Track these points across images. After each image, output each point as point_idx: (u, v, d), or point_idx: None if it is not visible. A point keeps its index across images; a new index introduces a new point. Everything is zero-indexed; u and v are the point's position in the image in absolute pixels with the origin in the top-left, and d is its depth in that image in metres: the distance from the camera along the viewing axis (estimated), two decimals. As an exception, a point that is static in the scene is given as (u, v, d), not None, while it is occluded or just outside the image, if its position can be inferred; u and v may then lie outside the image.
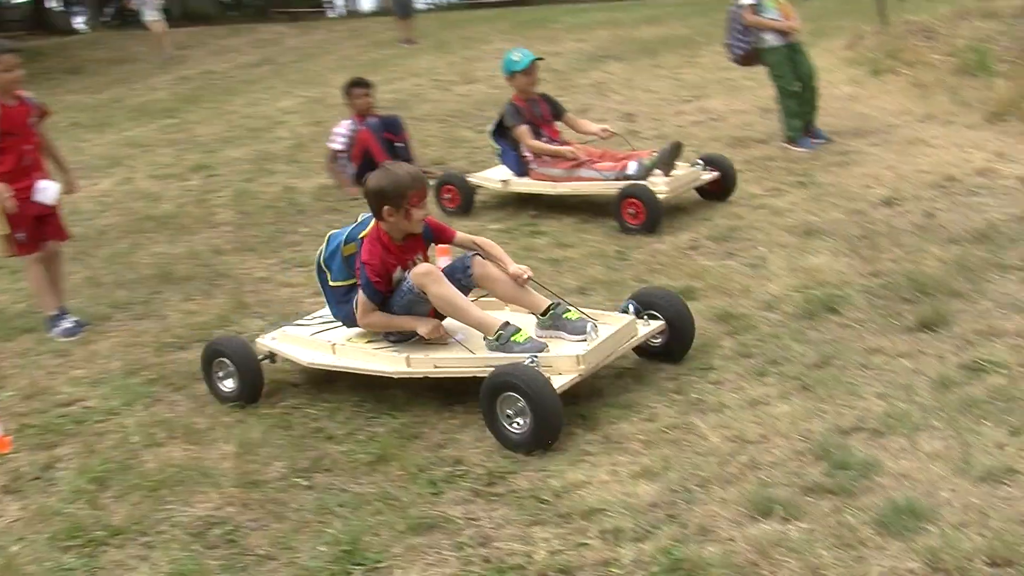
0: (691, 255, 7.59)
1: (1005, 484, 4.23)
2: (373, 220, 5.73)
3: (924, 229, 7.63)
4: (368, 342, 5.92)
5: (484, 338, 5.52)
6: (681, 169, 8.70)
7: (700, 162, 8.88)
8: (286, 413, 5.75)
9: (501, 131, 9.34)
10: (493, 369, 5.14)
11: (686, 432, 4.98)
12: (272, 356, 6.15)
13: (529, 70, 9.17)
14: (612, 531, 4.24)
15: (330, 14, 51.86)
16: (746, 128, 11.38)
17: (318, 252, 6.06)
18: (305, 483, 4.98)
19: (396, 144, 10.73)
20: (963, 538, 3.88)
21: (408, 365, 5.55)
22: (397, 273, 5.70)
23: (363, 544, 4.36)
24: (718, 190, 8.91)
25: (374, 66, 20.45)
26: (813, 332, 5.98)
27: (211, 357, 6.04)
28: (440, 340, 5.68)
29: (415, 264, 5.68)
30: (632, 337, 5.59)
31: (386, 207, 5.54)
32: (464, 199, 9.56)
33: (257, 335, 6.40)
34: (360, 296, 5.72)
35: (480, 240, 5.96)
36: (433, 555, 4.26)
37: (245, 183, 11.80)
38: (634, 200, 8.23)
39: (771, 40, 10.32)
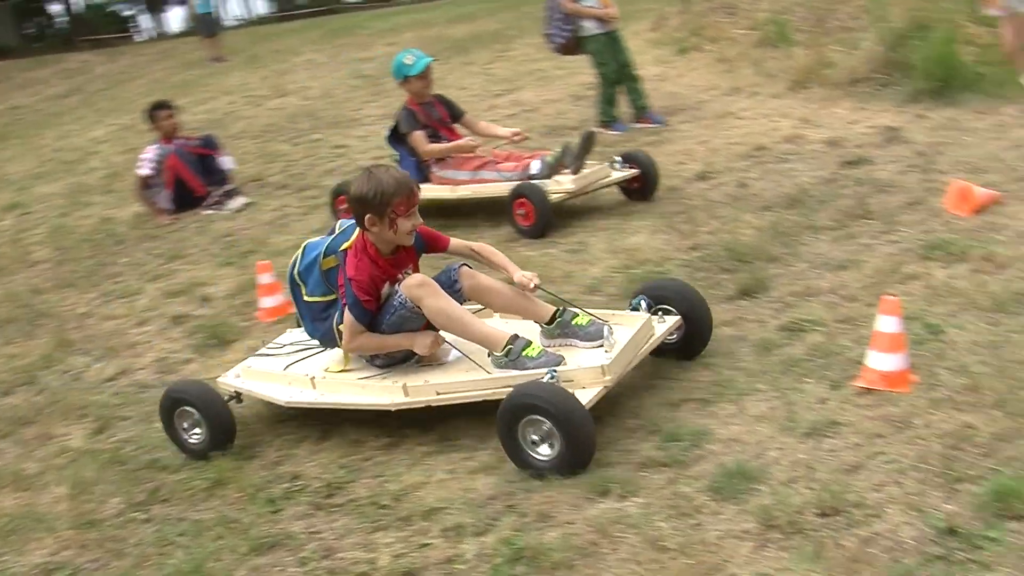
0: (512, 246, 7.61)
1: (829, 437, 4.36)
2: (357, 229, 5.16)
3: (738, 199, 7.81)
4: (344, 371, 5.38)
5: (490, 355, 4.95)
6: (590, 167, 8.13)
7: (619, 159, 8.33)
8: (119, 447, 5.62)
9: (398, 136, 8.67)
10: (510, 390, 4.55)
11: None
12: (238, 395, 5.59)
13: (424, 74, 8.50)
14: (453, 528, 4.25)
15: (137, 38, 51.04)
16: (560, 117, 11.51)
17: (291, 262, 5.49)
18: (143, 516, 4.88)
19: (214, 159, 10.59)
20: (793, 493, 3.99)
21: (407, 395, 4.96)
22: (385, 288, 5.12)
23: (206, 571, 4.28)
24: (640, 187, 8.34)
25: (185, 87, 20.19)
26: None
27: (172, 408, 5.38)
28: (435, 359, 5.20)
29: (405, 277, 5.09)
30: (650, 337, 5.05)
31: (368, 216, 4.93)
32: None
33: (217, 375, 5.85)
34: (346, 317, 5.11)
35: (478, 246, 5.37)
36: (277, 573, 4.22)
37: (61, 218, 11.51)
38: (523, 200, 7.79)
39: (591, 28, 10.46)
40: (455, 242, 5.35)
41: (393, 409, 4.99)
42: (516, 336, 4.89)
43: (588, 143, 8.05)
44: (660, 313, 5.21)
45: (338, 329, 5.25)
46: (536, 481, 4.45)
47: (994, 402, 4.35)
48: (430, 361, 5.20)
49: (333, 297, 5.32)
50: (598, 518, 4.10)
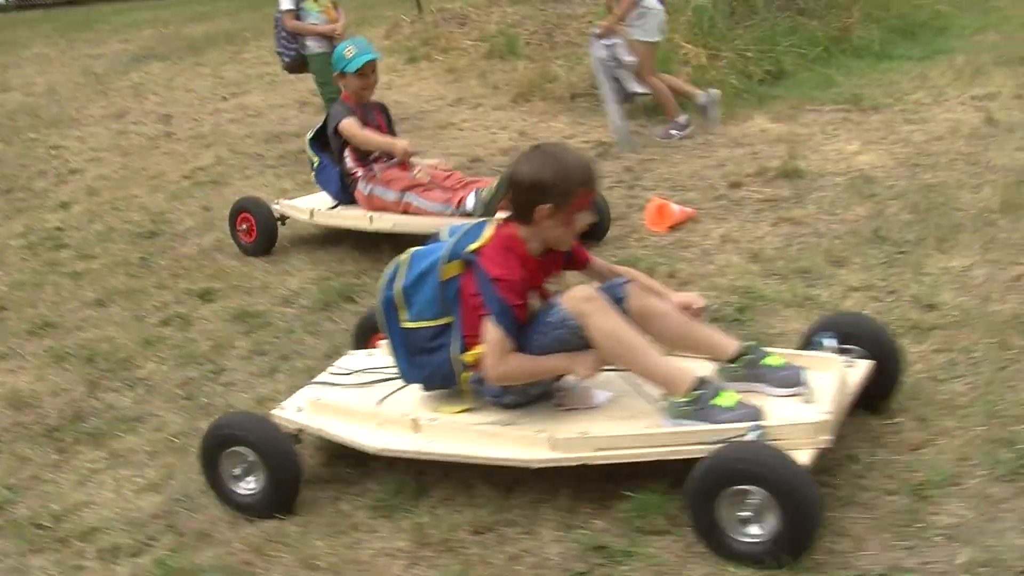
0: (216, 256, 7.49)
1: (491, 455, 4.39)
2: (490, 226, 4.12)
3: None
4: (464, 411, 4.21)
5: (667, 399, 3.84)
6: None
7: None
8: None
9: (321, 141, 7.37)
10: (701, 448, 3.58)
11: (193, 439, 4.89)
12: (298, 435, 4.41)
13: (362, 72, 7.24)
14: (110, 549, 4.13)
15: None
16: (283, 123, 11.38)
17: (384, 280, 4.29)
18: None
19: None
20: (449, 512, 4.02)
21: (554, 449, 3.85)
22: (532, 301, 4.10)
23: None
24: (590, 230, 7.09)
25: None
26: (328, 323, 6.04)
27: (218, 447, 4.24)
28: (581, 401, 4.13)
29: (555, 289, 4.14)
30: (848, 386, 3.96)
31: (543, 206, 3.90)
32: (264, 232, 7.45)
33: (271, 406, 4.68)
34: (489, 333, 3.93)
35: (622, 269, 4.38)
36: (-82, 602, 4.03)
37: None
38: None
39: (314, 46, 9.88)
40: (595, 260, 4.41)
41: (535, 467, 3.90)
42: (704, 379, 3.83)
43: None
44: (850, 356, 4.16)
45: (459, 360, 4.14)
46: (200, 500, 4.37)
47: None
48: (573, 403, 4.16)
49: (446, 321, 4.17)
50: (255, 537, 4.04)
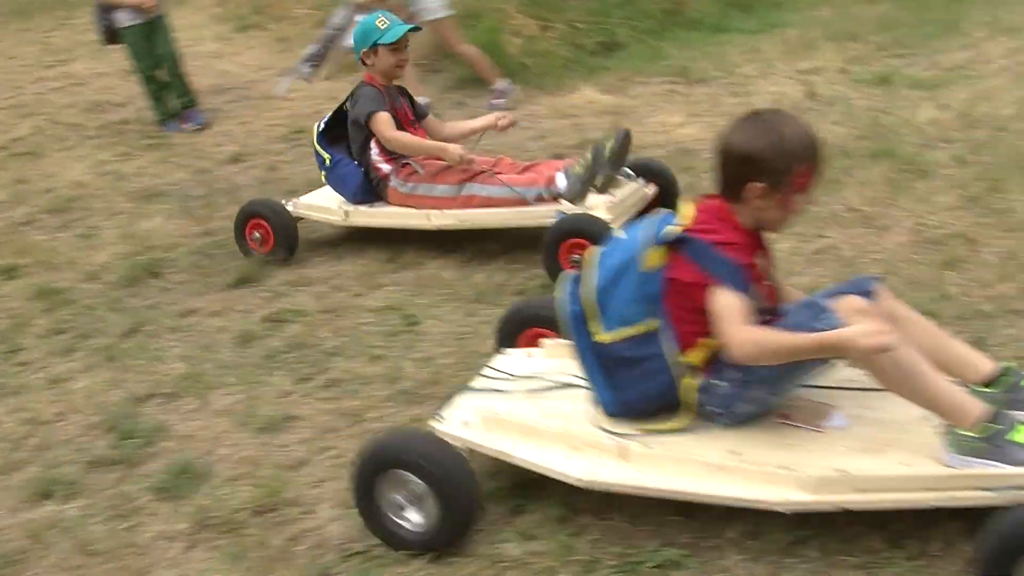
0: (24, 230, 7.24)
1: (281, 432, 4.39)
2: (687, 208, 3.49)
3: (265, 182, 7.75)
4: (676, 430, 3.47)
5: (950, 431, 3.20)
6: (623, 186, 5.92)
7: (630, 173, 6.03)
8: None
9: (330, 134, 6.33)
10: (1002, 498, 2.98)
11: (-20, 423, 4.80)
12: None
13: (397, 46, 6.08)
14: None
15: None
16: (107, 91, 11.05)
17: (567, 291, 3.64)
18: None
19: None
20: (234, 491, 3.98)
21: (804, 489, 3.17)
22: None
23: None
24: (656, 206, 5.78)
25: None
26: (132, 299, 5.91)
27: (379, 468, 3.48)
28: (811, 422, 3.46)
29: (764, 268, 3.53)
30: None
31: (755, 184, 3.32)
32: (283, 238, 6.24)
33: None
34: (724, 298, 3.28)
35: (795, 292, 3.76)
36: None
37: None
38: (581, 240, 5.27)
39: (124, 19, 9.29)
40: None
41: (786, 511, 3.22)
42: (998, 411, 3.18)
43: (624, 144, 5.89)
44: None
45: (680, 363, 3.46)
46: (-19, 484, 4.28)
47: (446, 394, 4.44)
48: (802, 421, 3.49)
49: (652, 325, 3.47)
50: (34, 522, 3.97)
